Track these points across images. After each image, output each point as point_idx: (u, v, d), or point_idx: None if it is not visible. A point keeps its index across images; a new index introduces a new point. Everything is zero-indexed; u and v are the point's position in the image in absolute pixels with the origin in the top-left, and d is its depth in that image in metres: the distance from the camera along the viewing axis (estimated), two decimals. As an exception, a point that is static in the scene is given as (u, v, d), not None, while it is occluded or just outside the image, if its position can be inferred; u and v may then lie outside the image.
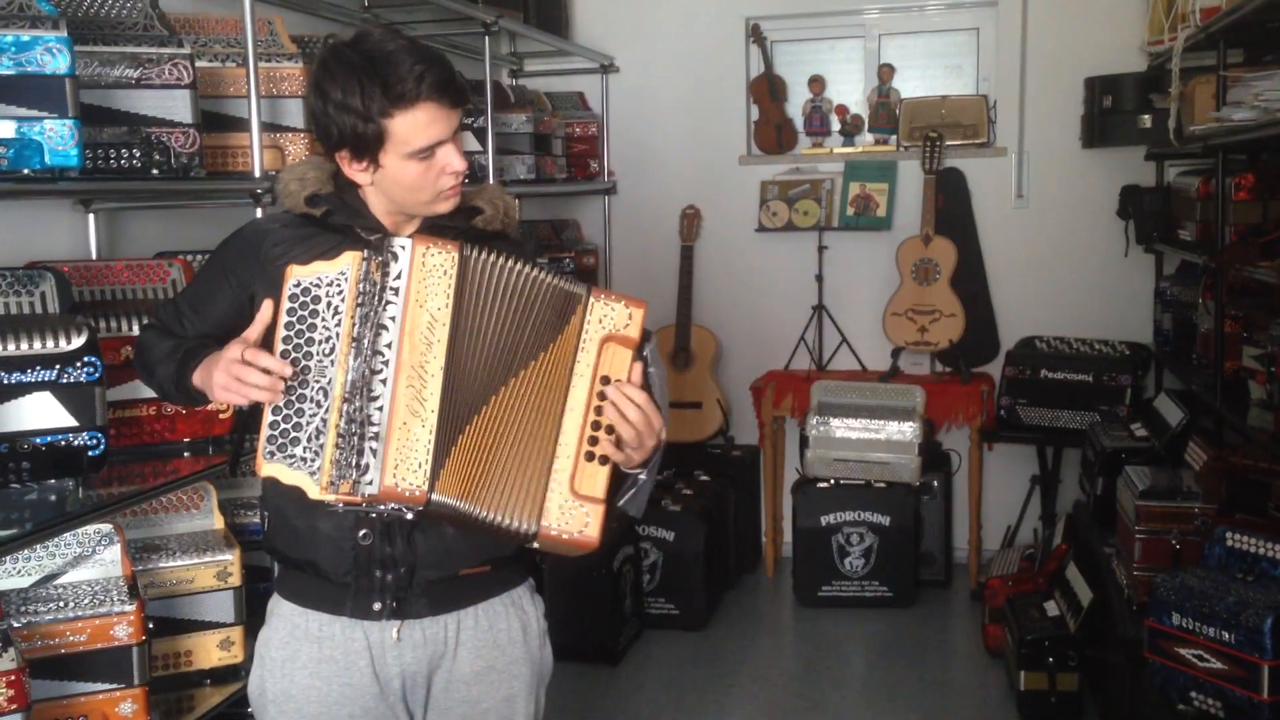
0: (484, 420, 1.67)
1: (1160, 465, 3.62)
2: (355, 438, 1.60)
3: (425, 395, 1.62)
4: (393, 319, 1.62)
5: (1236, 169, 3.61)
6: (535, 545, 1.69)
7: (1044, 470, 4.84)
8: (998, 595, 4.14)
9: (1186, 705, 2.65)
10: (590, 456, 1.67)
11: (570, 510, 1.66)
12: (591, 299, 1.69)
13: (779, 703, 3.98)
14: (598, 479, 1.68)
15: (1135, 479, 3.40)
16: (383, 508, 1.67)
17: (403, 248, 1.64)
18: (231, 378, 1.65)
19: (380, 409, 1.61)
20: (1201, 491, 3.29)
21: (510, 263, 1.69)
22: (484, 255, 1.67)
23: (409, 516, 1.71)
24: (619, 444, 1.68)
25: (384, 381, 1.61)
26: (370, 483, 1.60)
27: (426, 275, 1.64)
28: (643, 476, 1.76)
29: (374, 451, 1.60)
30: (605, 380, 1.68)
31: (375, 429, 1.60)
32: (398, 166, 1.73)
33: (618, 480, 1.73)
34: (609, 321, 1.69)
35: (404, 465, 1.60)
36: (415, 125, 1.69)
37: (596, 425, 1.67)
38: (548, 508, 1.66)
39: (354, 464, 1.60)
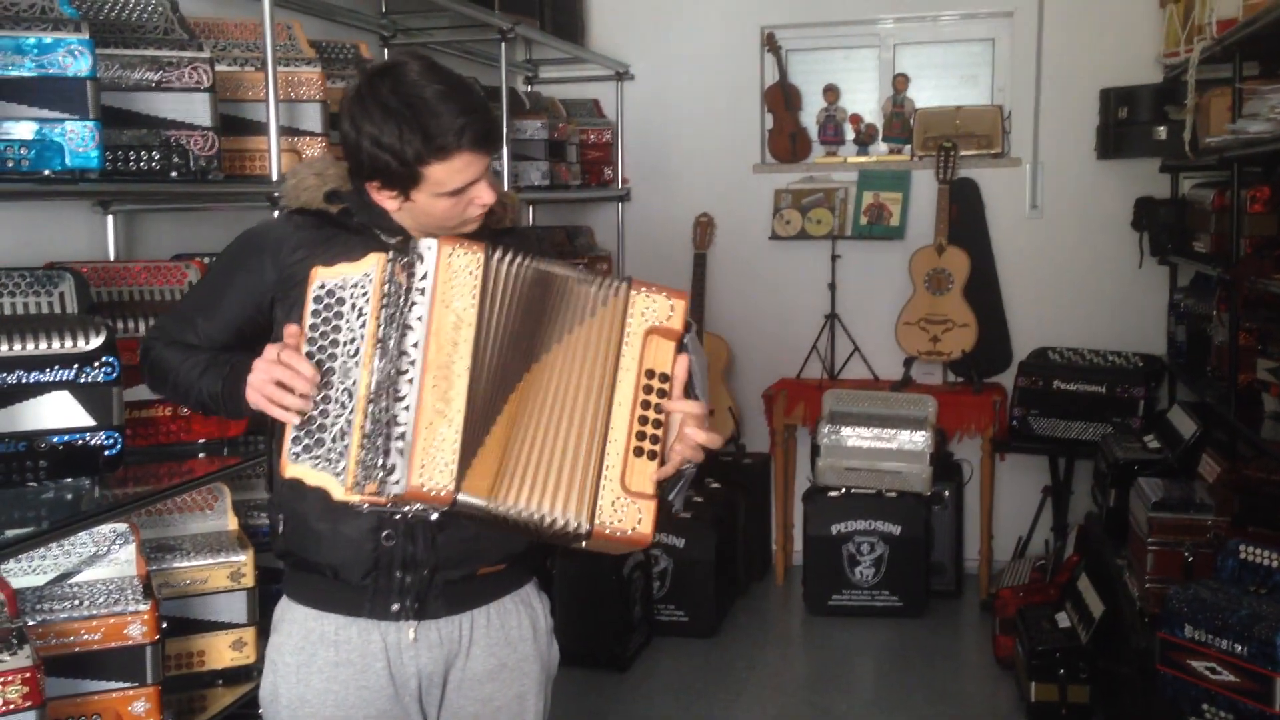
0: (516, 418, 1.64)
1: (1173, 477, 3.61)
2: (381, 438, 1.60)
3: (451, 395, 1.61)
4: (419, 319, 1.62)
5: (1251, 181, 3.60)
6: (584, 545, 1.65)
7: (1056, 481, 4.82)
8: (1008, 606, 4.13)
9: (1198, 718, 2.65)
10: (639, 452, 1.65)
11: (623, 507, 1.63)
12: (633, 292, 1.68)
13: (788, 711, 3.97)
14: (648, 474, 1.65)
15: (1148, 491, 3.40)
16: (407, 508, 1.67)
17: (429, 249, 1.63)
18: (267, 379, 1.65)
19: (406, 409, 1.60)
20: (1214, 504, 3.28)
21: (533, 261, 1.68)
22: (508, 255, 1.67)
23: (433, 517, 1.71)
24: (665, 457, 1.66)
25: (410, 381, 1.60)
26: (397, 482, 1.59)
27: (453, 276, 1.63)
28: (690, 469, 1.73)
29: (400, 451, 1.59)
30: (650, 374, 1.66)
31: (401, 429, 1.60)
32: (428, 202, 1.74)
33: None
34: (651, 314, 1.67)
35: (430, 465, 1.59)
36: (451, 171, 1.70)
37: (644, 420, 1.65)
38: (600, 505, 1.63)
39: (380, 464, 1.60)
